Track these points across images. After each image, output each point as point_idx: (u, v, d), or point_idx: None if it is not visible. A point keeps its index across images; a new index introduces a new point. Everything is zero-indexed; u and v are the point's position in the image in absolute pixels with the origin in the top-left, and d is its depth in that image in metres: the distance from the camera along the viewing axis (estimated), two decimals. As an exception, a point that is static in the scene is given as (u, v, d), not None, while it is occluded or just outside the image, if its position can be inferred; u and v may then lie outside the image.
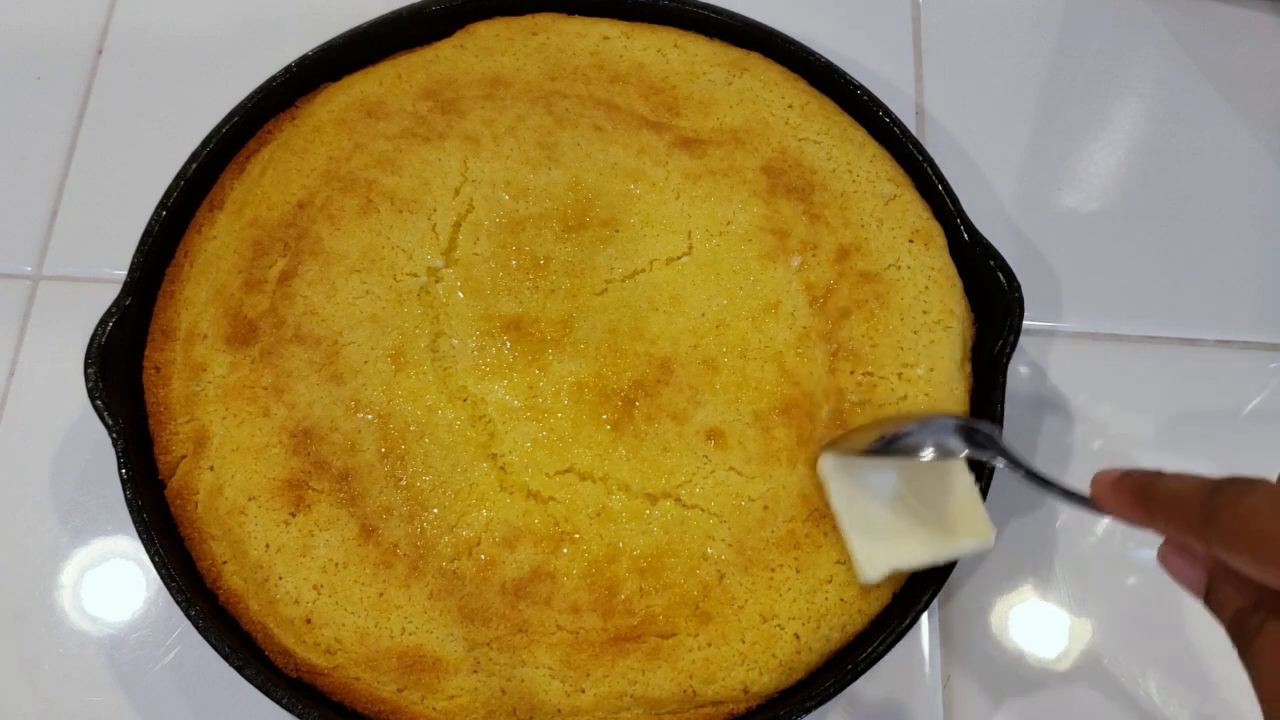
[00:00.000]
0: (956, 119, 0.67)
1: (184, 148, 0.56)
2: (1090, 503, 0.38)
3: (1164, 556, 0.35)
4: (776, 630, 0.48)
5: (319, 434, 0.50)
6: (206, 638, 0.47)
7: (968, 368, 0.53)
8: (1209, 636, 0.55)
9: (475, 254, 0.54)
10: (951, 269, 0.55)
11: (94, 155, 0.66)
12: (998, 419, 0.51)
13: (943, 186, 0.56)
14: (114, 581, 0.56)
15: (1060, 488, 0.41)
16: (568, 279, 0.53)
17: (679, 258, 0.54)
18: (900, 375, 0.52)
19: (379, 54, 0.60)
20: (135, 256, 0.53)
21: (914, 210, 0.55)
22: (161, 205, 0.55)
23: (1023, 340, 0.59)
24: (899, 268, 0.54)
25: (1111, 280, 0.63)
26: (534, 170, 0.55)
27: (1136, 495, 0.34)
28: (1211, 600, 0.34)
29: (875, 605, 0.49)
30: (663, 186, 0.55)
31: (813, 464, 0.50)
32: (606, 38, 0.60)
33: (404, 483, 0.49)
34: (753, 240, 0.54)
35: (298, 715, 0.46)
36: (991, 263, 0.53)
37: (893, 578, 0.49)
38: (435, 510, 0.49)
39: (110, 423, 0.49)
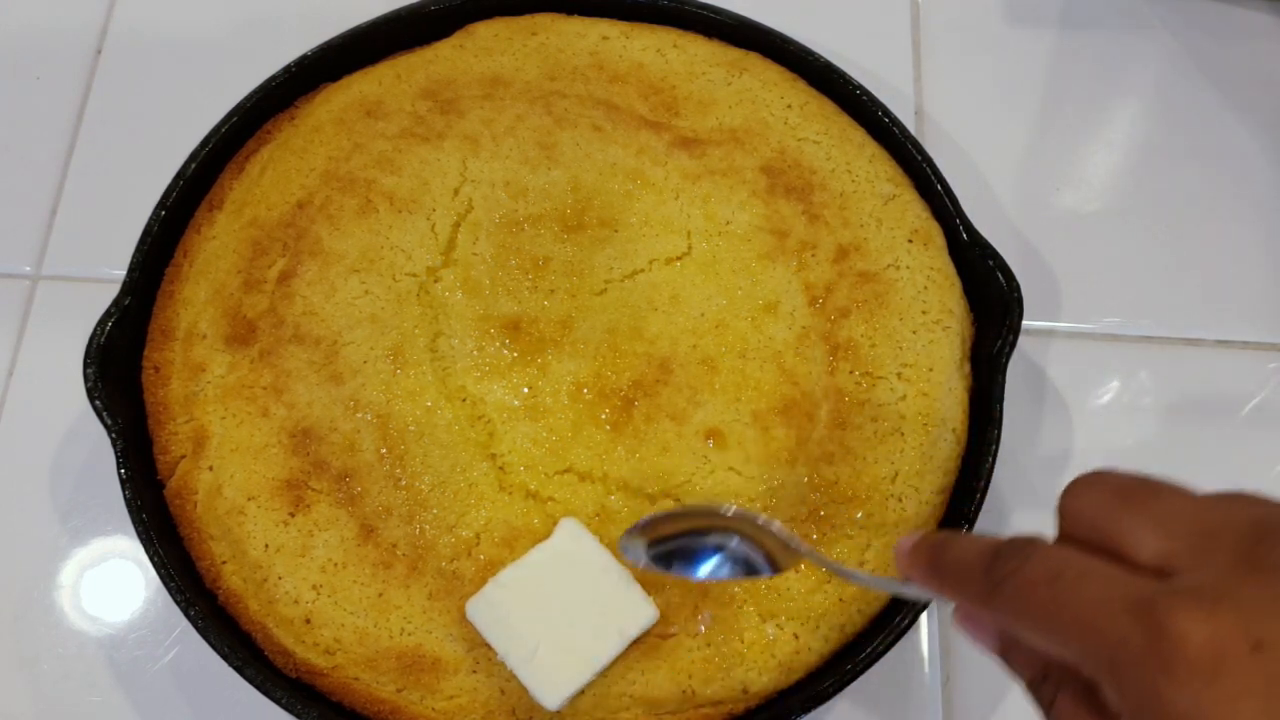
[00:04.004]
0: (956, 119, 0.67)
1: (183, 147, 0.56)
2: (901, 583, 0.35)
3: (958, 620, 0.33)
4: (776, 630, 0.48)
5: (318, 434, 0.50)
6: (206, 638, 0.47)
7: (966, 368, 0.53)
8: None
9: (474, 254, 0.54)
10: (950, 269, 0.55)
11: (93, 155, 0.66)
12: (996, 420, 0.51)
13: (942, 186, 0.56)
14: (113, 581, 0.56)
15: (862, 577, 0.40)
16: (567, 279, 0.53)
17: (678, 258, 0.54)
18: (899, 375, 0.52)
19: (378, 54, 0.60)
20: (134, 256, 0.53)
21: (913, 210, 0.55)
22: (161, 205, 0.55)
23: (1022, 340, 0.59)
24: (898, 268, 0.54)
25: (1111, 280, 0.63)
26: (533, 170, 0.55)
27: (928, 563, 0.33)
28: (1009, 662, 0.32)
29: (875, 605, 0.49)
30: (662, 186, 0.55)
31: (812, 464, 0.50)
32: (606, 38, 0.60)
33: (403, 483, 0.49)
34: (752, 240, 0.54)
35: (297, 715, 0.46)
36: (990, 262, 0.53)
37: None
38: (434, 510, 0.49)
39: (109, 423, 0.49)
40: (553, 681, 0.45)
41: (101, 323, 0.51)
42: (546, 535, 0.48)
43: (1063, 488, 0.30)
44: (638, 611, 0.46)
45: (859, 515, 0.49)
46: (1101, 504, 0.28)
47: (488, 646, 0.47)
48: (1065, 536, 0.30)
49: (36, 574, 0.56)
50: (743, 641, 0.47)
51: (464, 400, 0.51)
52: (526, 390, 0.51)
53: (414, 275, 0.53)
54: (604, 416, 0.51)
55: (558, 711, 0.46)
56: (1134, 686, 0.24)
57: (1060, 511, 0.30)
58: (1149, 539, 0.27)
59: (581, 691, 0.46)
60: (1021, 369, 0.61)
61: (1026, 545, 0.28)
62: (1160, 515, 0.27)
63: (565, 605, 0.46)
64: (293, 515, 0.49)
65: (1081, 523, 0.29)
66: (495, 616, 0.45)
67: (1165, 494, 0.28)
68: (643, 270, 0.54)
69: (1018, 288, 0.52)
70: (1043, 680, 0.30)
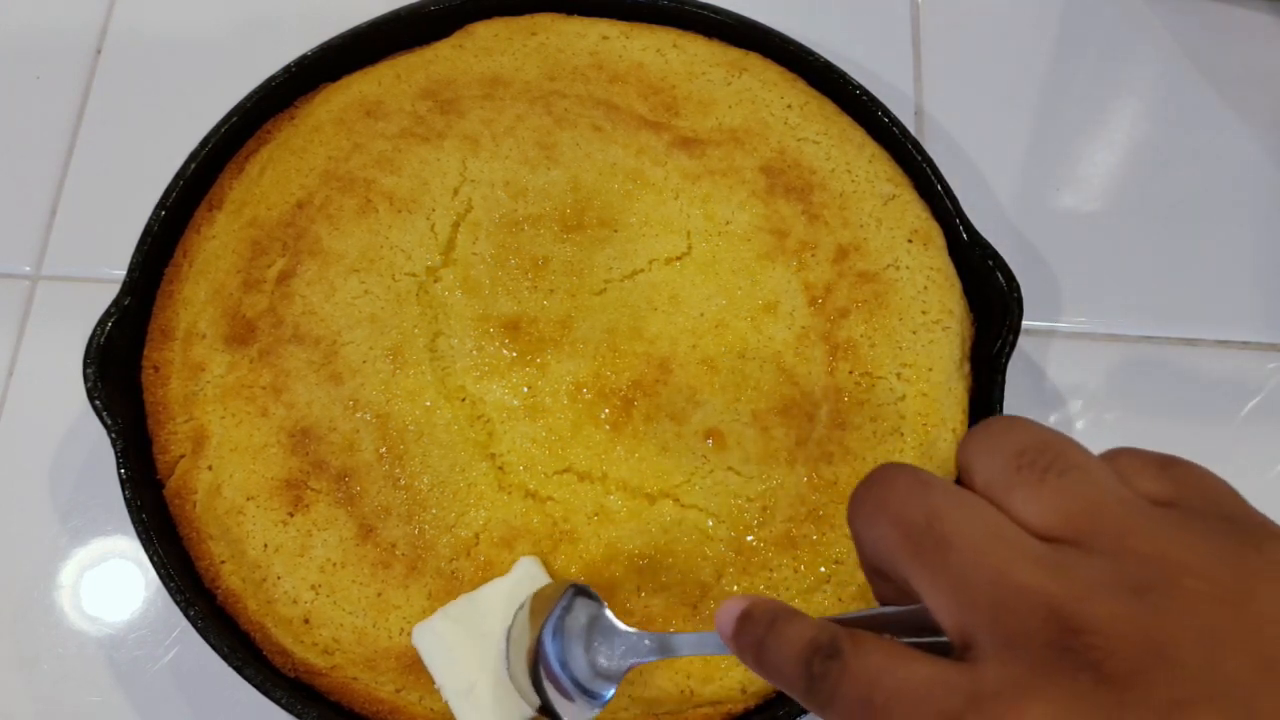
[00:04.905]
0: (955, 119, 0.67)
1: (183, 147, 0.56)
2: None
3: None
4: (775, 630, 0.48)
5: (317, 434, 0.50)
6: (205, 637, 0.47)
7: (966, 368, 0.53)
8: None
9: (474, 254, 0.54)
10: (950, 269, 0.54)
11: (93, 155, 0.66)
12: (996, 419, 0.51)
13: (941, 186, 0.56)
14: (113, 581, 0.56)
15: (690, 642, 0.37)
16: (566, 279, 0.53)
17: (678, 258, 0.54)
18: (899, 375, 0.52)
19: (378, 54, 0.60)
20: (134, 256, 0.53)
21: (913, 210, 0.55)
22: (160, 205, 0.55)
23: (1022, 340, 0.58)
24: (898, 268, 0.54)
25: (1111, 280, 0.63)
26: (533, 170, 0.55)
27: (754, 656, 0.29)
28: None
29: (874, 604, 0.49)
30: (661, 186, 0.55)
31: (811, 464, 0.50)
32: (605, 37, 0.60)
33: (402, 482, 0.49)
34: (751, 240, 0.54)
35: (296, 715, 0.46)
36: (990, 263, 0.53)
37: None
38: (433, 510, 0.49)
39: (109, 422, 0.49)
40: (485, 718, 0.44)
41: (101, 323, 0.51)
42: (546, 535, 0.48)
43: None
44: None
45: (858, 515, 0.49)
46: (892, 552, 0.25)
47: (487, 646, 0.47)
48: (866, 564, 0.27)
49: (36, 574, 0.56)
50: (742, 641, 0.47)
51: (463, 400, 0.51)
52: (526, 390, 0.51)
53: (413, 275, 0.53)
54: (603, 416, 0.51)
55: None
56: None
57: (853, 533, 0.27)
58: (943, 607, 0.24)
59: None
60: (1021, 369, 0.61)
61: (838, 653, 0.25)
62: (953, 580, 0.24)
63: (508, 650, 0.45)
64: (292, 515, 0.49)
65: (877, 562, 0.26)
66: (439, 647, 0.45)
67: (956, 549, 0.24)
68: (642, 270, 0.54)
69: (1018, 288, 0.52)
70: None
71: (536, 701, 0.42)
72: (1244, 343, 0.62)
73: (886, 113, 0.58)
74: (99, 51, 0.69)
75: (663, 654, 0.39)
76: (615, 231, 0.54)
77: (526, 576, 0.47)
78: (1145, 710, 0.21)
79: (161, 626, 0.55)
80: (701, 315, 0.53)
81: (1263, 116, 0.67)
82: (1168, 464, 0.26)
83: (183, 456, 0.51)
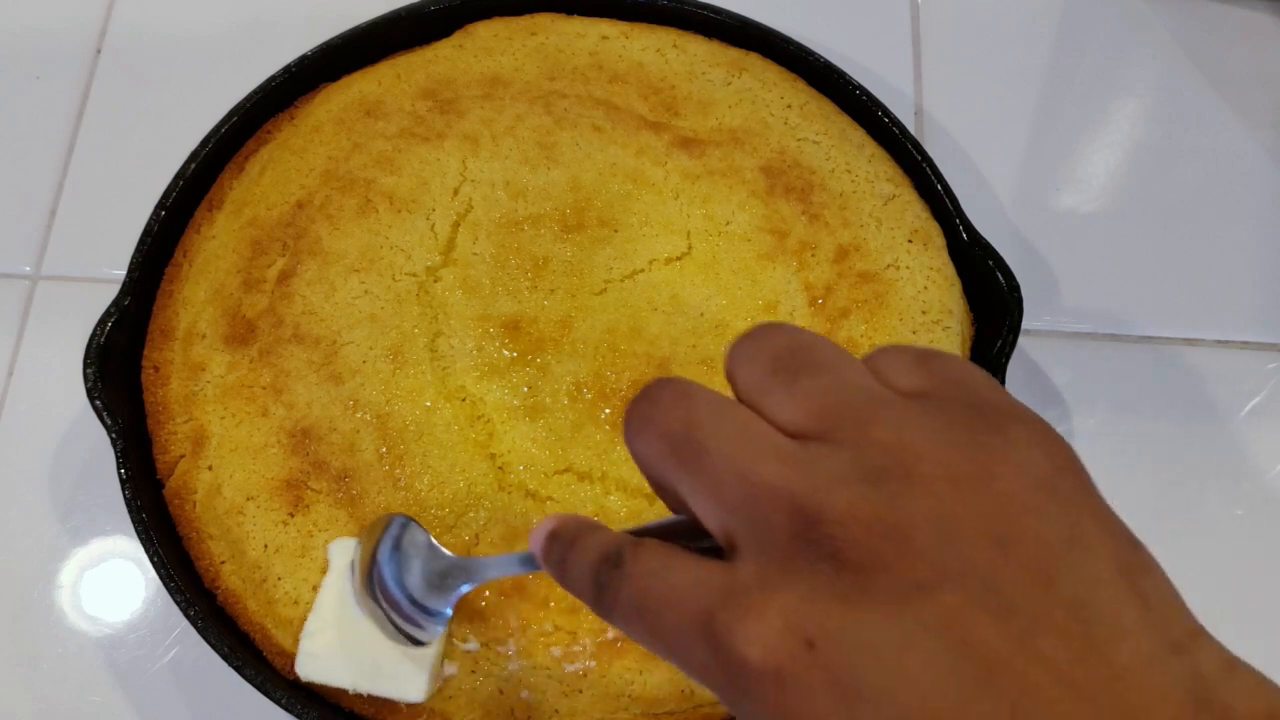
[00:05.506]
0: (956, 119, 0.67)
1: (183, 147, 0.56)
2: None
3: None
4: (775, 630, 0.48)
5: (318, 434, 0.50)
6: (205, 638, 0.47)
7: (967, 368, 0.53)
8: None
9: (474, 254, 0.54)
10: (950, 269, 0.54)
11: (93, 155, 0.66)
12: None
13: (942, 186, 0.56)
14: (113, 581, 0.56)
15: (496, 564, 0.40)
16: (566, 279, 0.53)
17: (678, 258, 0.54)
18: (899, 375, 0.52)
19: (378, 54, 0.60)
20: (134, 256, 0.53)
21: (913, 210, 0.55)
22: (160, 205, 0.55)
23: (1022, 340, 0.58)
24: (898, 268, 0.54)
25: (1111, 280, 0.63)
26: (533, 170, 0.55)
27: (558, 569, 0.30)
28: None
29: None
30: (661, 186, 0.55)
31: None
32: (605, 37, 0.60)
33: (402, 483, 0.49)
34: (751, 240, 0.54)
35: (296, 715, 0.46)
36: (990, 262, 0.53)
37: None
38: (434, 510, 0.49)
39: (109, 423, 0.49)
40: (406, 676, 0.45)
41: (101, 323, 0.51)
42: (546, 535, 0.48)
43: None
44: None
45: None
46: (657, 463, 0.26)
47: (488, 646, 0.47)
48: (647, 477, 0.27)
49: (36, 574, 0.56)
50: (742, 641, 0.47)
51: (463, 400, 0.51)
52: (526, 390, 0.51)
53: (413, 275, 0.53)
54: (604, 416, 0.51)
55: (426, 698, 0.46)
56: (729, 702, 0.23)
57: (633, 458, 0.27)
58: (704, 511, 0.25)
59: (444, 671, 0.46)
60: (1021, 369, 0.61)
61: (619, 562, 0.26)
62: (709, 483, 0.24)
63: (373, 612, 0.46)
64: (292, 515, 0.49)
65: (654, 476, 0.27)
66: (325, 664, 0.45)
67: (712, 451, 0.24)
68: (642, 270, 0.54)
69: (1018, 288, 0.52)
70: None
71: (380, 613, 0.43)
72: (1244, 343, 0.62)
73: (886, 112, 0.58)
74: (99, 51, 0.69)
75: (475, 575, 0.42)
76: (615, 231, 0.54)
77: (342, 553, 0.47)
78: (883, 596, 0.21)
79: (161, 627, 0.55)
80: (702, 315, 0.53)
81: (1263, 116, 0.67)
82: (924, 358, 0.26)
83: (183, 456, 0.51)
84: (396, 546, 0.44)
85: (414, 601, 0.43)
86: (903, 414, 0.24)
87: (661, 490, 0.27)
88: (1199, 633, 0.22)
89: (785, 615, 0.22)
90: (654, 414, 0.26)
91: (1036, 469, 0.23)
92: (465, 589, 0.42)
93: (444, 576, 0.42)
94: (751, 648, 0.22)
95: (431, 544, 0.44)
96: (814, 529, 0.22)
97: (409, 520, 0.45)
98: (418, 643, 0.43)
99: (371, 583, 0.44)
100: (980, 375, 0.26)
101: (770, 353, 0.26)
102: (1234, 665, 0.22)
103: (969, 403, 0.24)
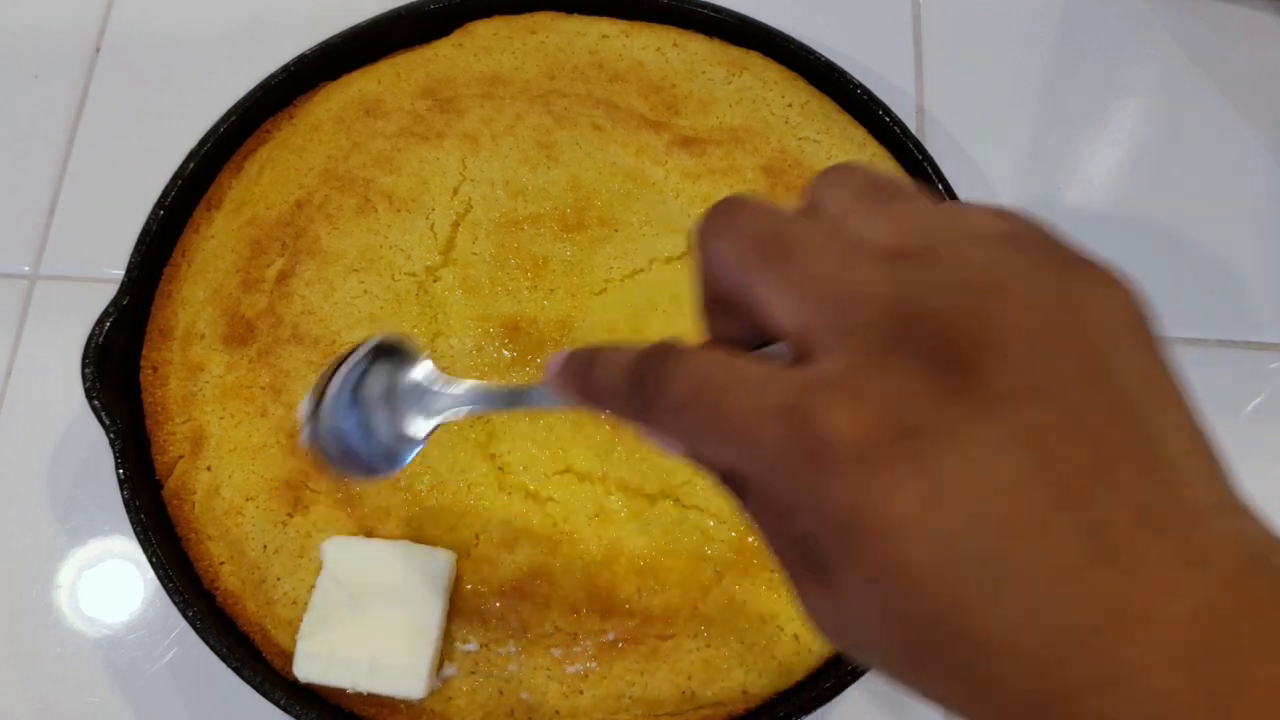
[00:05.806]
0: (956, 118, 0.67)
1: (182, 147, 0.56)
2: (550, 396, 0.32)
3: (640, 433, 0.30)
4: (776, 631, 0.48)
5: (317, 434, 0.50)
6: (204, 638, 0.47)
7: (968, 368, 0.53)
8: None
9: (473, 253, 0.54)
10: (951, 269, 0.54)
11: (91, 154, 0.66)
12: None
13: (943, 186, 0.56)
14: (111, 582, 0.56)
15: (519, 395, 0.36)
16: (566, 278, 0.53)
17: (678, 257, 0.54)
18: (900, 375, 0.51)
19: (377, 53, 0.60)
20: (133, 256, 0.53)
21: (914, 210, 0.55)
22: (159, 204, 0.54)
23: (1023, 340, 0.58)
24: (899, 267, 0.54)
25: (1112, 280, 0.63)
26: (533, 169, 0.55)
27: (578, 386, 0.30)
28: (697, 462, 0.30)
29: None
30: (662, 186, 0.55)
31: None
32: (605, 36, 0.60)
33: (402, 483, 0.49)
34: (752, 240, 0.54)
35: (295, 716, 0.46)
36: (991, 262, 0.53)
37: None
38: (433, 511, 0.49)
39: (107, 423, 0.49)
40: (404, 673, 0.45)
41: (100, 323, 0.50)
42: (546, 536, 0.48)
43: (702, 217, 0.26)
44: (435, 564, 0.46)
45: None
46: (738, 261, 0.25)
47: (488, 646, 0.47)
48: (708, 292, 0.27)
49: (34, 574, 0.56)
50: (742, 643, 0.47)
51: (463, 400, 0.51)
52: (526, 390, 0.51)
53: (413, 275, 0.53)
54: (604, 416, 0.50)
55: (426, 694, 0.45)
56: (798, 488, 0.23)
57: (698, 256, 0.27)
58: (785, 310, 0.24)
59: (438, 665, 0.46)
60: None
61: (666, 356, 0.26)
62: (797, 280, 0.24)
63: (371, 609, 0.45)
64: (291, 516, 0.49)
65: (720, 281, 0.26)
66: (322, 665, 0.45)
67: (802, 251, 0.24)
68: (643, 270, 0.54)
69: (1018, 287, 0.52)
70: (729, 475, 0.29)
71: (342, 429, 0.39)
72: (1245, 343, 0.62)
73: (887, 111, 0.58)
74: (97, 51, 0.69)
75: (461, 404, 0.37)
76: (615, 231, 0.54)
77: (337, 551, 0.47)
78: (972, 398, 0.22)
79: (160, 627, 0.55)
80: (702, 315, 0.53)
81: (1264, 116, 0.67)
82: (1005, 210, 0.26)
83: (181, 457, 0.51)
84: (373, 362, 0.39)
85: (376, 428, 0.39)
86: (996, 244, 0.24)
87: (718, 308, 0.27)
88: (1248, 505, 0.23)
89: (884, 402, 0.22)
90: (739, 216, 0.26)
91: (1122, 315, 0.24)
92: (444, 417, 0.38)
93: (420, 398, 0.38)
94: (849, 428, 0.22)
95: (427, 372, 0.39)
96: (912, 326, 0.22)
97: (384, 348, 0.39)
98: (384, 469, 0.39)
99: (325, 399, 0.39)
100: (1058, 232, 0.26)
101: (860, 180, 0.26)
102: None
103: (1056, 249, 0.25)
